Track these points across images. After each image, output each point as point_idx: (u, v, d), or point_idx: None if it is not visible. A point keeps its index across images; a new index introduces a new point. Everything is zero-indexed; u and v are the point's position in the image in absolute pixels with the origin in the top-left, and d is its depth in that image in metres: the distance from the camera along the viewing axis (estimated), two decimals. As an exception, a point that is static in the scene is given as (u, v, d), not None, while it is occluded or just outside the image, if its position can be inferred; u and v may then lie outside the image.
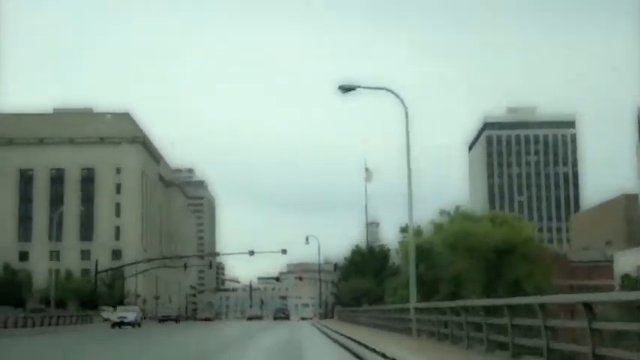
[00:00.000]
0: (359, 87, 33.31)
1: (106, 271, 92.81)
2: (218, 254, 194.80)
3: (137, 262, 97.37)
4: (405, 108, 31.84)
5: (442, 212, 78.50)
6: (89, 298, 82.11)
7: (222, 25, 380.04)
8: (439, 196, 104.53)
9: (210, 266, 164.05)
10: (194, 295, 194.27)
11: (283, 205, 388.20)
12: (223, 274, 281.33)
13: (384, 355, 19.50)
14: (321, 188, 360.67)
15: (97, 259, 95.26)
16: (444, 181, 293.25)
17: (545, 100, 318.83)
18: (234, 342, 33.58)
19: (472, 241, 72.41)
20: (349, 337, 29.41)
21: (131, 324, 60.96)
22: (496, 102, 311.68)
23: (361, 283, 75.49)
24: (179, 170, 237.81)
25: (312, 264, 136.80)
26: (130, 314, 63.69)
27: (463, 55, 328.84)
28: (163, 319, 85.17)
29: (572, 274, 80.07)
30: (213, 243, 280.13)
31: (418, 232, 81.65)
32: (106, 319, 70.18)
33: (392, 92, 32.79)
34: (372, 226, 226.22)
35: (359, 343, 25.36)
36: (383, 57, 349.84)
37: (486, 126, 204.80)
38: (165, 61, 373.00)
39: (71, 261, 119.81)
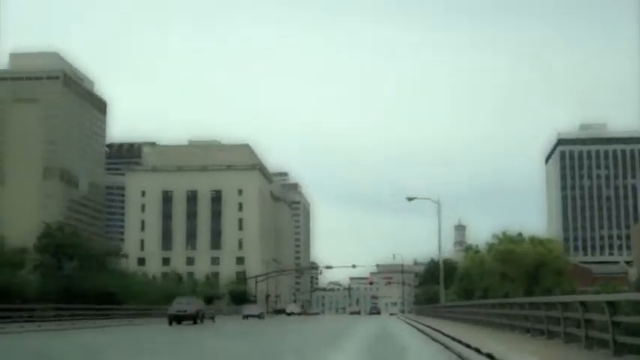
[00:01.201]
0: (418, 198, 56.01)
1: (256, 277, 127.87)
2: (317, 267, 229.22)
3: (269, 273, 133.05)
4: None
5: (494, 235, 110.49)
6: (238, 296, 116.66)
7: (304, 27, 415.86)
8: (526, 201, 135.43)
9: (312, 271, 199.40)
10: (294, 294, 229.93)
11: (375, 204, 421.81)
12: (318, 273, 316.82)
13: (424, 325, 51.85)
14: (410, 188, 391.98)
15: (243, 268, 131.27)
16: (527, 189, 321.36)
17: (617, 114, 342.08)
18: (357, 323, 66.43)
19: (514, 257, 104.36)
20: (419, 322, 62.10)
21: (257, 317, 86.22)
22: (571, 116, 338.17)
23: (431, 288, 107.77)
24: (274, 174, 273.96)
25: (401, 265, 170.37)
26: (255, 309, 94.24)
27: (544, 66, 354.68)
28: (289, 314, 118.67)
29: (592, 283, 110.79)
30: (308, 243, 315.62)
31: (476, 250, 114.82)
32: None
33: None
34: (459, 228, 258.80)
35: (423, 324, 57.83)
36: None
37: (560, 142, 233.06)
38: (256, 64, 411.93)
39: (203, 266, 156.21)
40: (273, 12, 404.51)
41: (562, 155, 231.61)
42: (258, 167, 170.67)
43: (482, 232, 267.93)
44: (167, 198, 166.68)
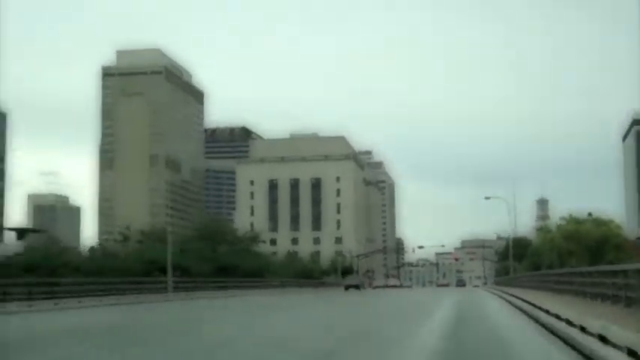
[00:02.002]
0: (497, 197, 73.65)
1: (361, 255, 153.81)
2: (402, 245, 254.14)
3: (373, 252, 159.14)
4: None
5: (561, 218, 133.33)
6: (346, 270, 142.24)
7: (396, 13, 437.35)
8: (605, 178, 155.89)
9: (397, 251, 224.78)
10: (384, 267, 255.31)
11: (459, 178, 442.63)
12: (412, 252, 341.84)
13: (499, 291, 76.01)
14: (497, 161, 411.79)
15: (341, 247, 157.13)
16: (606, 166, 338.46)
17: None
18: (450, 292, 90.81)
19: (579, 236, 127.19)
20: (495, 290, 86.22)
21: (356, 287, 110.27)
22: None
23: (508, 263, 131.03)
24: (359, 153, 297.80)
25: (483, 240, 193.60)
26: (355, 280, 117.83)
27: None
28: (388, 286, 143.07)
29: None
30: (393, 220, 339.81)
31: (547, 230, 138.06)
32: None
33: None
34: (542, 202, 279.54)
35: (499, 291, 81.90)
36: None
37: (635, 121, 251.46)
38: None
39: (306, 245, 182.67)
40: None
41: (638, 134, 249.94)
42: (353, 157, 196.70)
43: (563, 208, 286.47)
44: (273, 186, 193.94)
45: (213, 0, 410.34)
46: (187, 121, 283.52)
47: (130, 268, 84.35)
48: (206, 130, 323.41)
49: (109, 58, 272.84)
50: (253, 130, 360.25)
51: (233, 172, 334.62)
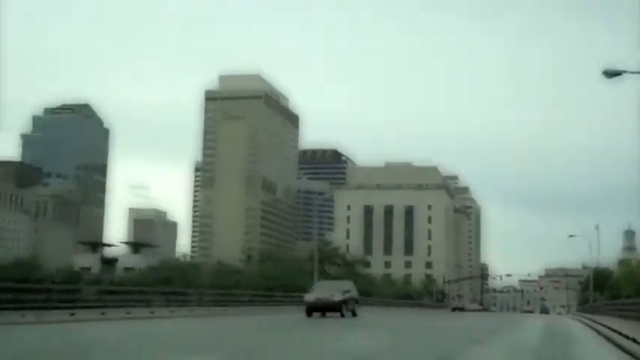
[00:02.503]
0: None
1: (451, 281, 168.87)
2: (487, 270, 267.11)
3: (462, 279, 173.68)
4: None
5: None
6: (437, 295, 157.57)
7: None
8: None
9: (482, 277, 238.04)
10: (471, 292, 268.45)
11: (546, 204, 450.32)
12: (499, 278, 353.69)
13: (581, 317, 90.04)
14: (585, 188, 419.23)
15: (431, 272, 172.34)
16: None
17: None
18: (535, 317, 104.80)
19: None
20: (577, 317, 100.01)
21: (462, 310, 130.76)
22: None
23: (590, 293, 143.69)
24: (445, 177, 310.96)
25: (567, 270, 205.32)
26: (460, 304, 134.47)
27: None
28: (471, 310, 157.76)
29: None
30: (478, 246, 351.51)
31: (627, 263, 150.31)
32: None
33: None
34: (628, 234, 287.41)
35: (580, 317, 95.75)
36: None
37: None
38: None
39: (398, 269, 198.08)
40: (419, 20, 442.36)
41: None
42: (444, 186, 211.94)
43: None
44: (368, 211, 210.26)
45: (310, 25, 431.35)
46: (283, 144, 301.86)
47: (253, 284, 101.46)
48: (300, 152, 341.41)
49: (211, 82, 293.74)
50: (344, 152, 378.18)
51: (323, 194, 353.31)
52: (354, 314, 46.57)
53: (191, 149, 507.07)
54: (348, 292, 47.61)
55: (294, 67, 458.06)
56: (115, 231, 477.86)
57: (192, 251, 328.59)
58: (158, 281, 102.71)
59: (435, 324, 43.19)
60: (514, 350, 20.94)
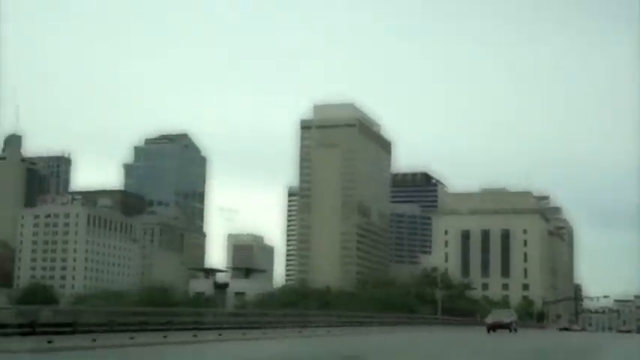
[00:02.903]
0: None
1: (549, 302, 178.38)
2: (581, 292, 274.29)
3: (560, 300, 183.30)
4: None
5: None
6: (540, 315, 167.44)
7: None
8: None
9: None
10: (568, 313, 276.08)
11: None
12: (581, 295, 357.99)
13: None
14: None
15: (528, 293, 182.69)
16: None
17: None
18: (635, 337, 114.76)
19: None
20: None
21: (568, 329, 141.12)
22: None
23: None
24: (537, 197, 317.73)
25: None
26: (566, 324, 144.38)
27: None
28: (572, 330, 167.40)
29: None
30: (572, 266, 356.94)
31: None
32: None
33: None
34: None
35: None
36: None
37: None
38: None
39: (495, 290, 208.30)
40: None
41: None
42: (539, 212, 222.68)
43: None
44: (465, 235, 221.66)
45: (400, 54, 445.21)
46: (376, 169, 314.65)
47: (367, 306, 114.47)
48: (391, 175, 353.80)
49: (306, 111, 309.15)
50: (434, 175, 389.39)
51: (415, 216, 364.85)
52: (515, 330, 72.61)
53: (285, 175, 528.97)
54: (512, 315, 78.20)
55: (387, 93, 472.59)
56: (216, 256, 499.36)
57: (288, 274, 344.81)
58: (284, 304, 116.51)
59: (566, 339, 56.13)
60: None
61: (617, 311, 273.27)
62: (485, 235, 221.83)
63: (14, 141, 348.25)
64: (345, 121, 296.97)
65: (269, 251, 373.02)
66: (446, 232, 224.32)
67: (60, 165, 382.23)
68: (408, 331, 64.24)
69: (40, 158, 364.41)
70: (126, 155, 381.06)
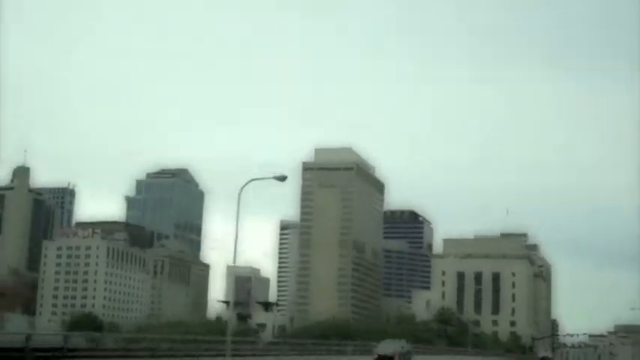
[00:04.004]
0: None
1: (538, 338, 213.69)
2: (557, 328, 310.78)
3: (545, 337, 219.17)
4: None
5: None
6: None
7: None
8: None
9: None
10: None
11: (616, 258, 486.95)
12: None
13: None
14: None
15: (515, 329, 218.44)
16: None
17: None
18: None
19: None
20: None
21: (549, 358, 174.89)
22: None
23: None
24: (512, 235, 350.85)
25: (637, 326, 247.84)
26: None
27: None
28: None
29: None
30: (549, 304, 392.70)
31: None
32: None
33: None
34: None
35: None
36: None
37: None
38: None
39: (486, 326, 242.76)
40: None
41: None
42: (526, 257, 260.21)
43: None
44: (460, 276, 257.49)
45: (391, 103, 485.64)
46: (370, 209, 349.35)
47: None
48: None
49: (307, 154, 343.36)
50: (421, 213, 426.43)
51: (402, 252, 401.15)
52: None
53: (278, 210, 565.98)
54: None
55: (381, 139, 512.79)
56: (217, 288, 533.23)
57: (280, 305, 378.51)
58: (314, 335, 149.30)
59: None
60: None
61: (593, 347, 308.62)
62: (478, 276, 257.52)
63: (22, 172, 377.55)
64: (343, 165, 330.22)
65: (265, 283, 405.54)
66: (443, 273, 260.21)
67: (65, 196, 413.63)
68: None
69: (46, 189, 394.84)
70: (127, 188, 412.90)
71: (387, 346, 66.57)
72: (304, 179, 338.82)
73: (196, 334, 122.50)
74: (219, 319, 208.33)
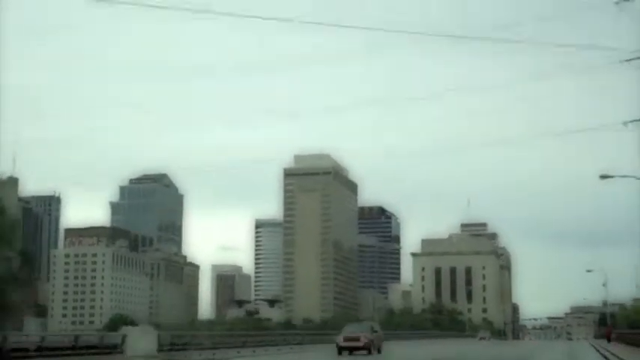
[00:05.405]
0: None
1: (508, 323, 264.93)
2: (518, 315, 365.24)
3: (512, 322, 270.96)
4: None
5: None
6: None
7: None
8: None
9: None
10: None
11: (568, 241, 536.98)
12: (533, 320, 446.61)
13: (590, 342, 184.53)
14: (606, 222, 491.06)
15: (487, 316, 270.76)
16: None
17: None
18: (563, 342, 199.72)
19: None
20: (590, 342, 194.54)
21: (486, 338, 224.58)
22: None
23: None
24: (472, 225, 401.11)
25: (590, 307, 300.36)
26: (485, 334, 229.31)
27: None
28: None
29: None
30: (510, 289, 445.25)
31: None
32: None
33: None
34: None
35: (590, 343, 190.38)
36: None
37: None
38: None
39: (477, 318, 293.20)
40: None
41: None
42: (494, 252, 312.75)
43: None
44: (437, 271, 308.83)
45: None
46: (346, 208, 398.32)
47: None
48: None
49: (289, 160, 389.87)
50: (388, 209, 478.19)
51: (373, 247, 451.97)
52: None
53: (252, 208, 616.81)
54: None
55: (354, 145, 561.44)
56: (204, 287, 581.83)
57: (257, 298, 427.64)
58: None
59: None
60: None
61: (552, 327, 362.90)
62: (453, 270, 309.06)
63: (11, 182, 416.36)
64: (322, 169, 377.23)
65: (246, 279, 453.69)
66: (423, 269, 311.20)
67: (51, 204, 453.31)
68: (442, 343, 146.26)
69: (33, 198, 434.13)
70: (111, 194, 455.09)
71: (353, 328, 65.14)
72: (286, 184, 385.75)
73: (240, 329, 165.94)
74: (250, 314, 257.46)
